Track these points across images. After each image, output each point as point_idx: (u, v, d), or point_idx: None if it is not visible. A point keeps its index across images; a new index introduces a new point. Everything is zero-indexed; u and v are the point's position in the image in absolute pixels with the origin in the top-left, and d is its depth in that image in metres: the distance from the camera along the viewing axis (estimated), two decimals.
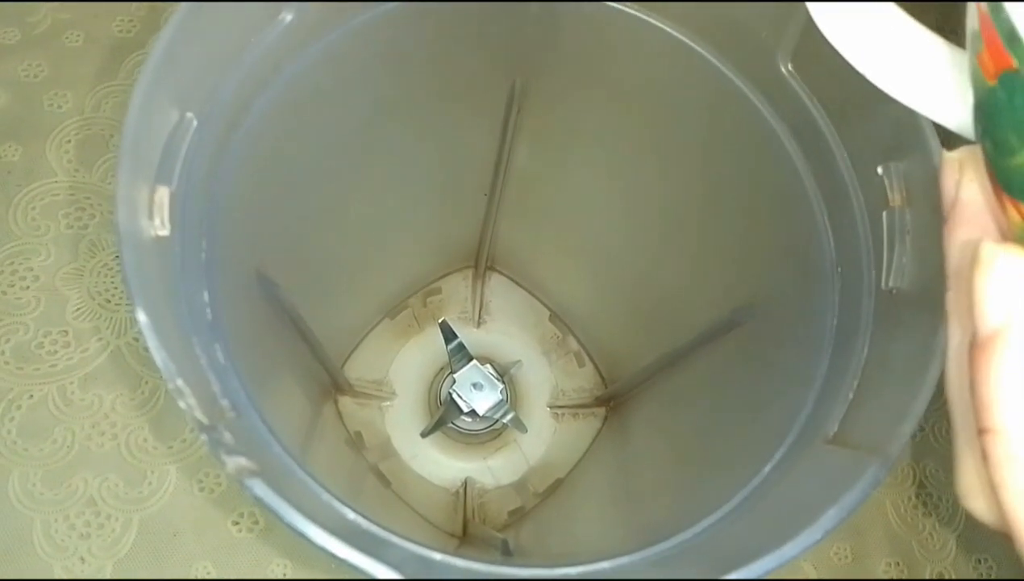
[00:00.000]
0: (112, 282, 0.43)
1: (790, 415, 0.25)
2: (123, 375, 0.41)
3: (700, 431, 0.34)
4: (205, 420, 0.18)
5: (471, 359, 0.43)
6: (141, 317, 0.18)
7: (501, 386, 0.43)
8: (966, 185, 0.19)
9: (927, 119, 0.21)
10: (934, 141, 0.22)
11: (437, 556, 0.19)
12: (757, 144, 0.28)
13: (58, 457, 0.39)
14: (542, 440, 0.45)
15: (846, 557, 0.42)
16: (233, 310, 0.24)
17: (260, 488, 0.18)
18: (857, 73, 0.20)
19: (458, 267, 0.48)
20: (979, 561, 0.43)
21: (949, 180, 0.19)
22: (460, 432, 0.44)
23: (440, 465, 0.44)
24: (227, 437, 0.18)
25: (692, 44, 0.29)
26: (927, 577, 0.42)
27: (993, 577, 0.43)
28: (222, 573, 0.38)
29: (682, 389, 0.38)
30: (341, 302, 0.42)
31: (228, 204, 0.25)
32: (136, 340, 0.42)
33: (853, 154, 0.25)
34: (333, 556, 0.18)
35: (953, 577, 0.42)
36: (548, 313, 0.48)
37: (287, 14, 0.25)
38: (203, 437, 0.18)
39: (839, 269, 0.26)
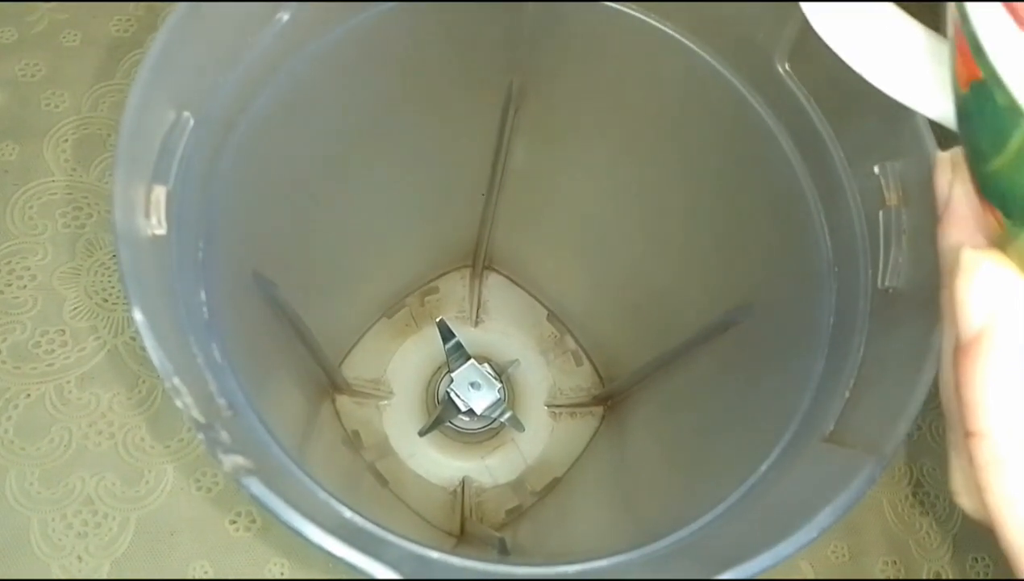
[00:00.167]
0: (109, 281, 0.43)
1: (787, 414, 0.25)
2: (120, 374, 0.41)
3: (697, 430, 0.34)
4: (202, 419, 0.18)
5: (469, 358, 0.43)
6: (138, 316, 0.18)
7: (499, 385, 0.43)
8: (959, 185, 0.19)
9: (923, 118, 0.21)
10: (930, 141, 0.22)
11: (434, 555, 0.19)
12: (754, 144, 0.28)
13: (55, 456, 0.39)
14: (540, 439, 0.45)
15: (843, 556, 0.42)
16: (230, 309, 0.24)
17: (257, 487, 0.18)
18: (854, 73, 0.20)
19: (456, 266, 0.48)
20: (975, 560, 0.43)
21: (942, 180, 0.19)
22: (458, 431, 0.44)
23: (438, 464, 0.44)
24: (224, 436, 0.18)
25: (689, 44, 0.29)
26: (924, 575, 0.42)
27: (989, 575, 0.43)
28: (219, 572, 0.38)
29: (679, 388, 0.38)
30: (339, 301, 0.42)
31: (225, 203, 0.25)
32: (133, 339, 0.42)
33: (850, 154, 0.25)
34: (330, 555, 0.18)
35: (950, 575, 0.43)
36: (546, 312, 0.48)
37: (284, 14, 0.25)
38: (200, 436, 0.18)
39: (836, 268, 0.26)
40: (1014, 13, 0.14)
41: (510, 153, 0.38)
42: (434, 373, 0.46)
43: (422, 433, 0.44)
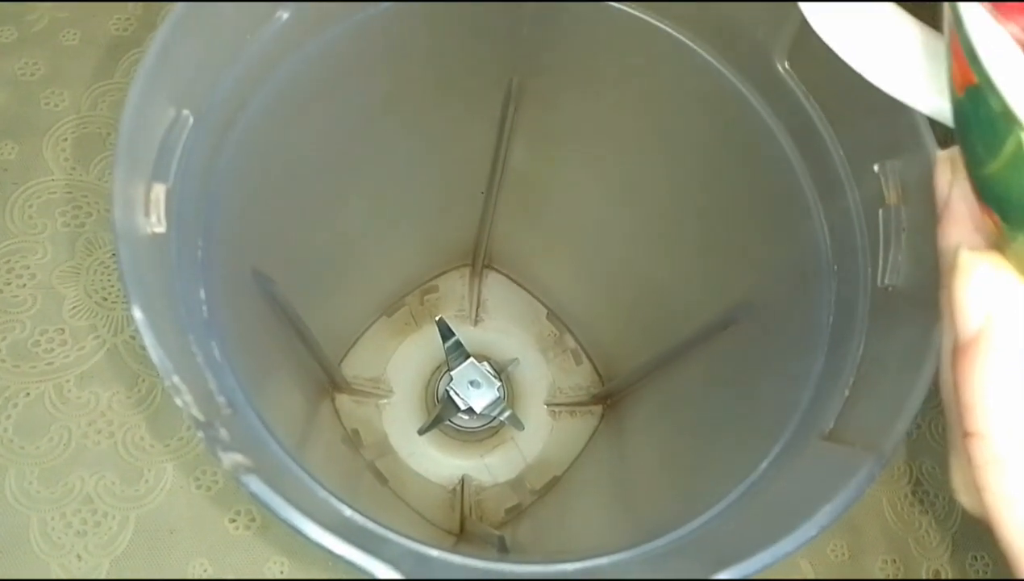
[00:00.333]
0: (109, 280, 0.43)
1: (786, 412, 0.25)
2: (120, 373, 0.41)
3: (696, 428, 0.34)
4: (202, 417, 0.18)
5: (468, 357, 0.43)
6: (137, 314, 0.18)
7: (498, 384, 0.43)
8: (959, 184, 0.19)
9: (923, 116, 0.21)
10: (930, 139, 0.22)
11: (434, 552, 0.19)
12: (754, 142, 0.28)
13: (55, 455, 0.39)
14: (539, 438, 0.45)
15: (843, 555, 0.42)
16: (229, 307, 0.24)
17: (256, 484, 0.18)
18: (853, 71, 0.20)
19: (455, 265, 0.48)
20: (975, 558, 0.43)
21: (942, 179, 0.19)
22: (457, 430, 0.44)
23: (437, 463, 0.44)
24: (223, 434, 0.18)
25: (689, 43, 0.29)
26: (923, 574, 0.42)
27: (989, 574, 0.43)
28: (219, 571, 0.38)
29: (679, 386, 0.38)
30: (338, 300, 0.42)
31: (224, 201, 0.25)
32: (132, 338, 0.42)
33: (849, 152, 0.25)
34: (330, 552, 0.18)
35: (949, 574, 0.43)
36: (545, 311, 0.48)
37: (283, 12, 0.25)
38: (200, 434, 0.18)
39: (835, 267, 0.26)
40: (1000, 11, 0.14)
41: (510, 152, 0.38)
42: (434, 372, 0.46)
43: (421, 432, 0.44)
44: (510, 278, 0.48)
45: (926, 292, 0.20)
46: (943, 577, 0.42)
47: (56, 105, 0.47)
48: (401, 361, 0.46)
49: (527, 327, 0.47)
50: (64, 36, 0.48)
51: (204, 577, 0.38)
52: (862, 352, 0.24)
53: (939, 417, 0.42)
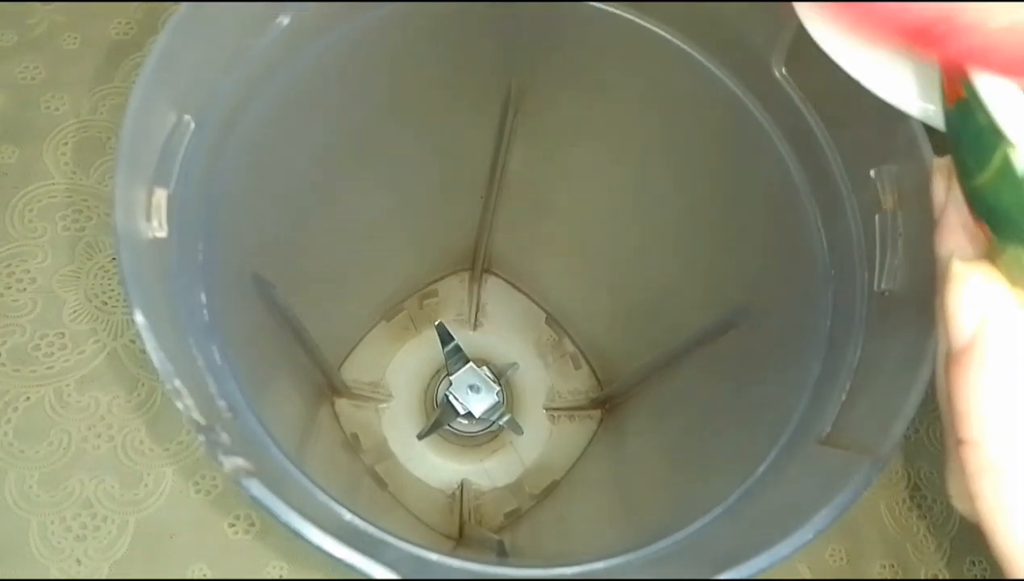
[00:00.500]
0: (109, 284, 0.43)
1: (783, 416, 0.25)
2: (120, 377, 0.41)
3: (695, 432, 0.34)
4: (202, 421, 0.18)
5: (467, 361, 0.43)
6: (139, 318, 0.18)
7: (497, 388, 0.43)
8: (955, 190, 0.19)
9: (919, 122, 0.21)
10: (926, 145, 0.22)
11: (433, 556, 0.19)
12: (751, 147, 0.29)
13: (54, 459, 0.39)
14: (538, 442, 0.45)
15: (841, 558, 0.42)
16: (230, 312, 0.24)
17: (257, 488, 0.18)
18: (850, 77, 0.20)
19: (455, 269, 0.48)
20: (973, 563, 0.43)
21: (939, 185, 0.20)
22: (456, 434, 0.44)
23: (436, 467, 0.44)
24: (224, 438, 0.19)
25: (687, 48, 0.29)
26: (921, 578, 0.42)
27: (987, 578, 0.43)
28: (218, 575, 0.38)
29: (677, 391, 0.38)
30: (338, 304, 0.42)
31: (225, 206, 0.25)
32: (133, 342, 0.42)
33: (846, 157, 0.26)
34: (330, 556, 0.18)
35: (947, 579, 0.43)
36: (544, 315, 0.48)
37: (284, 17, 0.25)
38: (200, 437, 0.18)
39: (832, 271, 0.26)
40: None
41: (509, 156, 0.38)
42: (433, 376, 0.46)
43: (421, 436, 0.44)
44: (509, 282, 0.48)
45: (923, 297, 0.21)
46: None
47: (56, 109, 0.47)
48: (400, 365, 0.46)
49: (526, 331, 0.47)
50: (64, 40, 0.49)
51: None
52: (859, 356, 0.24)
53: (937, 422, 0.42)
